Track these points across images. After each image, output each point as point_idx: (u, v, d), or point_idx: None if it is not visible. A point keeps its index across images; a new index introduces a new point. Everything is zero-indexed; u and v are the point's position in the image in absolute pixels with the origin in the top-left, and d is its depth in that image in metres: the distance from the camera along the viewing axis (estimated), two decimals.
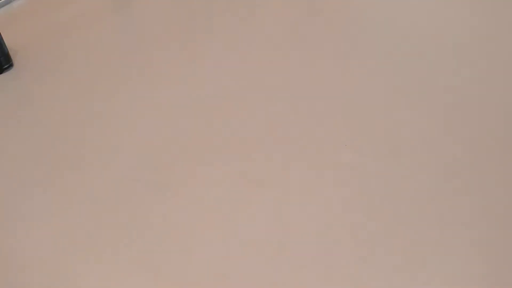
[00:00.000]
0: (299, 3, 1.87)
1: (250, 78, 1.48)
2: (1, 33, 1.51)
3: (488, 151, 1.23)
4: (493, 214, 1.08)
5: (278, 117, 1.34)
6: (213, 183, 1.17)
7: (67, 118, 1.37)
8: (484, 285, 0.96)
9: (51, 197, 1.15)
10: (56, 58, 1.60)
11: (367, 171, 1.18)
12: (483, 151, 1.23)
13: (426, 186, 1.14)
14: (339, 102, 1.39)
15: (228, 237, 1.05)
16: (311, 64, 1.54)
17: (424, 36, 1.64)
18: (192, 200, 1.13)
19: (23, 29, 1.73)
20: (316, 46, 1.63)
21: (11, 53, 1.56)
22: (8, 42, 1.55)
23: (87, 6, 1.85)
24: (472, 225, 1.06)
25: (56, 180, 1.19)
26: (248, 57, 1.58)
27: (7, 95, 1.45)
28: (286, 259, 1.01)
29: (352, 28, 1.71)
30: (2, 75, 1.52)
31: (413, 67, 1.50)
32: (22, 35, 1.70)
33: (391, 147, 1.24)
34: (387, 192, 1.13)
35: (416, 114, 1.34)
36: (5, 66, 1.53)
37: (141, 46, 1.65)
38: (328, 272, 0.98)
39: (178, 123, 1.34)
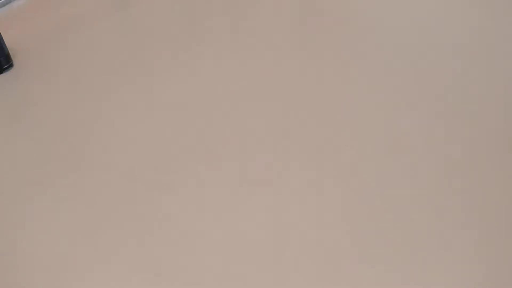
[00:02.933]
0: (300, 4, 1.87)
1: (251, 78, 1.48)
2: (1, 33, 1.50)
3: (488, 151, 1.23)
4: (493, 214, 1.08)
5: (278, 117, 1.34)
6: (213, 183, 1.17)
7: (67, 118, 1.37)
8: (484, 285, 0.96)
9: (51, 197, 1.15)
10: (56, 58, 1.60)
11: (367, 171, 1.18)
12: (483, 151, 1.23)
13: (426, 186, 1.14)
14: (339, 102, 1.39)
15: (228, 237, 1.05)
16: (311, 64, 1.54)
17: (423, 36, 1.64)
18: (192, 200, 1.13)
19: (23, 29, 1.73)
20: (315, 46, 1.64)
21: (11, 53, 1.55)
22: (8, 42, 1.55)
23: (87, 6, 1.85)
24: (472, 225, 1.06)
25: (56, 180, 1.19)
26: (248, 57, 1.58)
27: (7, 95, 1.45)
28: (286, 258, 1.01)
29: (351, 28, 1.71)
30: (2, 75, 1.52)
31: (413, 66, 1.50)
32: (22, 35, 1.70)
33: (391, 147, 1.24)
34: (387, 192, 1.13)
35: (416, 114, 1.34)
36: (5, 66, 1.53)
37: (141, 46, 1.65)
38: (328, 272, 0.98)
39: (178, 123, 1.34)
